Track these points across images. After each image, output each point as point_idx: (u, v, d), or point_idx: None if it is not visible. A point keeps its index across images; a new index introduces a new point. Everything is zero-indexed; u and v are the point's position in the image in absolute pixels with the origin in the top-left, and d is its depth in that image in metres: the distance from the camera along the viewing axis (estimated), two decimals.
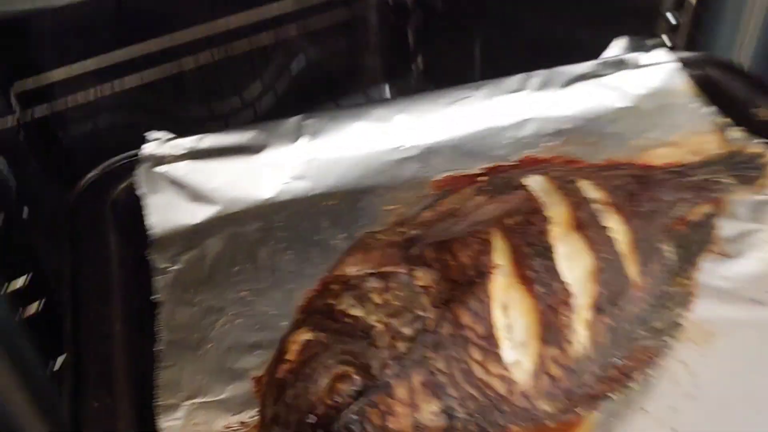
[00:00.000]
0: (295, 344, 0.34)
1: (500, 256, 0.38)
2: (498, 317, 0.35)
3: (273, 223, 0.48)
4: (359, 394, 0.32)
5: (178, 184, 0.49)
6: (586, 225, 0.40)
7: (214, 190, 0.49)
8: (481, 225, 0.39)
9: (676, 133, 0.54)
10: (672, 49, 0.60)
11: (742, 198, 0.48)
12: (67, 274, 0.42)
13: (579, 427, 0.35)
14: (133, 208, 0.47)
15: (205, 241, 0.47)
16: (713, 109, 0.56)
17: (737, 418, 0.36)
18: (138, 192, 0.48)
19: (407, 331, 0.34)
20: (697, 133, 0.54)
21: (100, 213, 0.47)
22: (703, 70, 0.59)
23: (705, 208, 0.48)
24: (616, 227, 0.41)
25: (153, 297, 0.43)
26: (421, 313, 0.34)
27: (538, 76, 0.57)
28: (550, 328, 0.35)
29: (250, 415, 0.37)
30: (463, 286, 0.36)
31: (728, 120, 0.54)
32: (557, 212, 0.41)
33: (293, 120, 0.52)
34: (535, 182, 0.44)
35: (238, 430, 0.36)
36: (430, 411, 0.33)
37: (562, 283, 0.37)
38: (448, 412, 0.33)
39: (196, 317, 0.42)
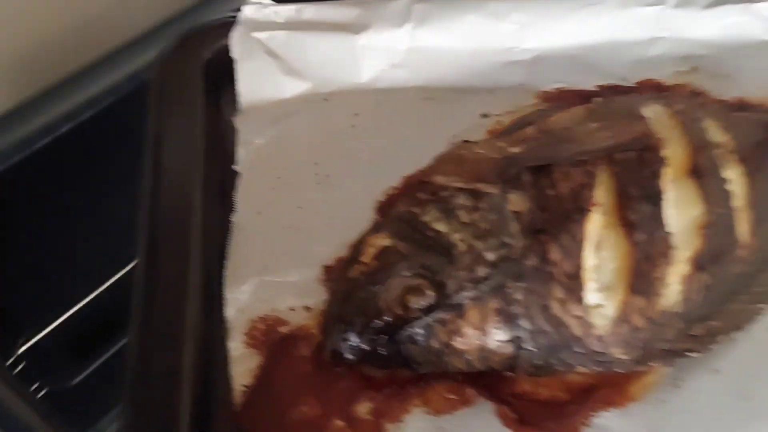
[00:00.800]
0: (373, 248, 0.33)
1: (604, 193, 0.35)
2: (588, 256, 0.33)
3: (363, 110, 0.46)
4: (430, 309, 0.32)
5: (272, 54, 0.47)
6: (703, 172, 0.36)
7: (308, 66, 0.47)
8: (588, 155, 0.36)
9: None
10: None
11: None
12: (151, 132, 0.41)
13: (647, 376, 0.34)
14: (225, 71, 0.46)
15: (292, 118, 0.45)
16: None
17: None
18: (232, 55, 0.46)
19: (490, 256, 0.32)
20: None
21: (192, 71, 0.45)
22: None
23: None
24: (736, 179, 0.38)
25: (234, 166, 0.42)
26: (508, 240, 0.33)
27: None
28: (643, 277, 0.33)
29: (315, 302, 0.37)
30: (558, 218, 0.33)
31: None
32: (675, 153, 0.37)
33: (402, 2, 0.48)
34: (656, 114, 0.40)
35: (301, 314, 0.36)
36: (498, 338, 0.32)
37: (665, 232, 0.34)
38: (516, 342, 0.32)
39: (275, 195, 0.42)
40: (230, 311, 0.37)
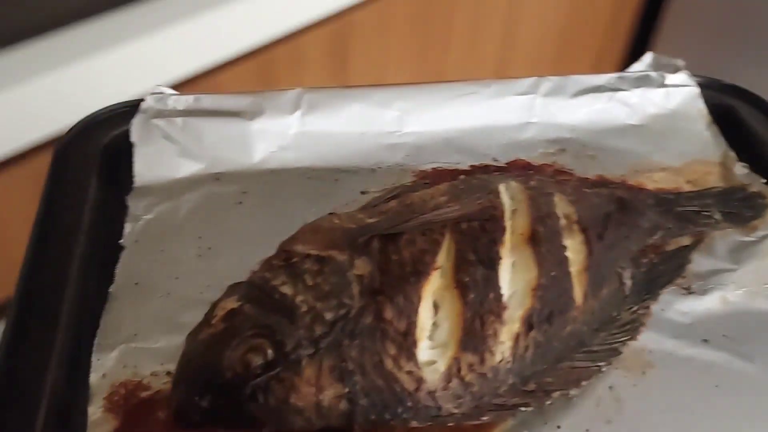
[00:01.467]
0: (222, 310, 0.35)
1: (444, 258, 0.38)
2: (425, 315, 0.35)
3: (251, 188, 0.49)
4: (269, 367, 0.33)
5: (169, 138, 0.50)
6: (542, 240, 0.40)
7: (202, 149, 0.50)
8: (436, 225, 0.39)
9: (679, 159, 0.53)
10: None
11: (726, 236, 0.46)
12: (40, 209, 0.44)
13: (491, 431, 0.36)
14: (121, 156, 0.49)
15: (183, 196, 0.48)
16: (724, 141, 0.54)
17: None
18: (132, 139, 0.49)
19: (329, 315, 0.34)
20: (701, 162, 0.53)
21: (88, 156, 0.48)
22: (725, 100, 0.57)
23: (684, 241, 0.46)
24: (575, 247, 0.41)
25: (120, 241, 0.45)
26: (347, 300, 0.35)
27: (551, 81, 0.55)
28: (474, 335, 0.35)
29: None
30: (396, 280, 0.36)
31: (736, 155, 0.52)
32: (517, 223, 0.40)
33: (293, 92, 0.53)
34: (510, 189, 0.44)
35: (163, 379, 0.38)
36: (333, 394, 0.33)
37: (498, 294, 0.36)
38: (350, 398, 0.33)
39: (155, 266, 0.44)
40: (94, 376, 0.38)
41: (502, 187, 0.43)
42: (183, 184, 0.49)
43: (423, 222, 0.39)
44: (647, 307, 0.42)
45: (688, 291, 0.43)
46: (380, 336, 0.34)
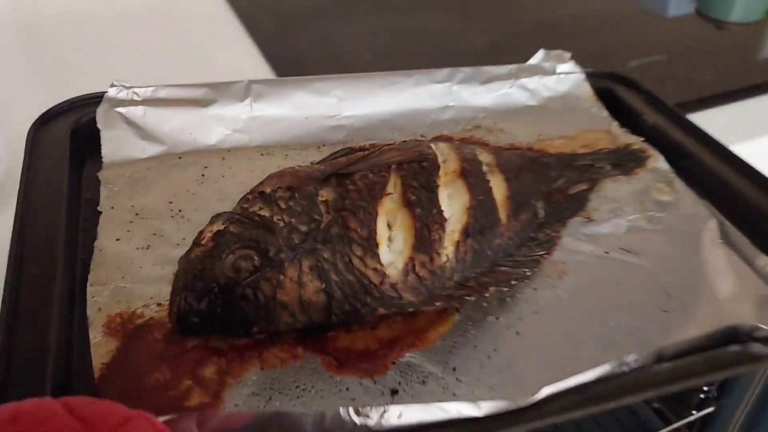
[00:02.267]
0: (210, 232, 0.41)
1: (392, 188, 0.45)
2: (381, 229, 0.43)
3: (210, 164, 0.55)
4: (256, 270, 0.39)
5: (133, 124, 0.56)
6: (470, 174, 0.48)
7: (164, 133, 0.56)
8: (382, 166, 0.47)
9: (573, 129, 0.63)
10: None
11: (616, 180, 0.57)
12: (24, 180, 0.48)
13: (441, 325, 0.43)
14: (91, 138, 0.54)
15: (150, 170, 0.54)
16: (608, 113, 0.65)
17: (571, 328, 0.43)
18: (98, 125, 0.55)
19: (303, 228, 0.41)
20: (592, 132, 0.63)
21: (62, 137, 0.53)
22: (606, 83, 0.68)
23: (583, 186, 0.56)
24: (497, 183, 0.49)
25: (98, 207, 0.50)
26: (317, 216, 0.42)
27: (464, 72, 0.65)
28: (423, 241, 0.43)
29: (166, 299, 0.43)
30: (357, 201, 0.43)
31: (618, 123, 0.64)
32: (449, 166, 0.49)
33: (242, 83, 0.60)
34: (438, 147, 0.52)
35: (154, 309, 0.43)
36: (313, 289, 0.40)
37: (439, 209, 0.44)
38: (328, 292, 0.40)
39: (132, 226, 0.49)
40: (91, 310, 0.42)
41: (432, 145, 0.52)
42: (148, 162, 0.55)
43: (371, 164, 0.47)
44: (558, 231, 0.51)
45: (589, 220, 0.52)
46: (347, 241, 0.41)
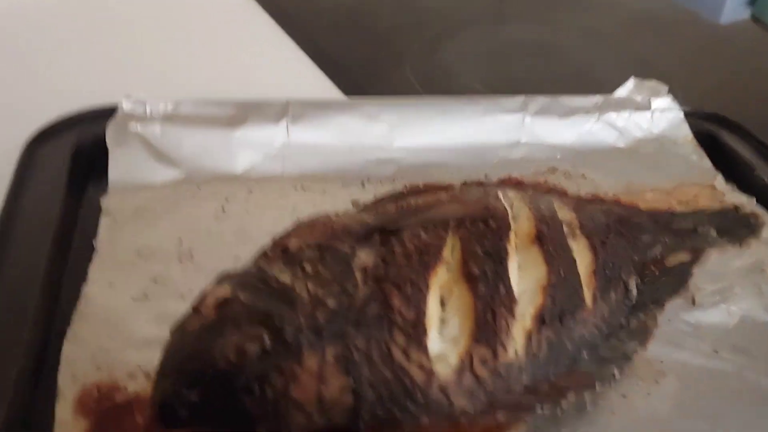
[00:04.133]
0: (213, 299, 0.32)
1: (449, 253, 0.36)
2: (432, 309, 0.33)
3: (233, 197, 0.47)
4: (266, 356, 0.30)
5: (146, 144, 0.48)
6: (548, 240, 0.38)
7: (182, 157, 0.48)
8: (439, 222, 0.37)
9: (669, 181, 0.53)
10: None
11: (723, 252, 0.46)
12: (6, 205, 0.41)
13: None
14: (97, 156, 0.46)
15: (160, 202, 0.45)
16: (710, 164, 0.54)
17: None
18: (107, 143, 0.47)
19: (331, 303, 0.32)
20: (691, 185, 0.53)
21: (58, 154, 0.45)
22: (709, 126, 0.58)
23: (683, 257, 0.45)
24: (580, 250, 0.39)
25: (94, 241, 0.42)
26: (350, 288, 0.32)
27: (539, 101, 0.55)
28: (486, 328, 0.33)
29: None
30: (403, 269, 0.34)
31: (722, 177, 0.53)
32: (521, 226, 0.39)
33: (278, 102, 0.51)
34: (509, 196, 0.42)
35: (141, 381, 0.34)
36: (338, 387, 0.30)
37: (508, 287, 0.34)
38: (356, 391, 0.30)
39: (131, 269, 0.41)
40: (62, 377, 0.34)
41: (500, 193, 0.42)
42: (161, 189, 0.46)
43: (425, 219, 0.37)
44: (654, 317, 0.40)
45: (693, 303, 0.42)
46: (387, 325, 0.31)
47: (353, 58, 0.68)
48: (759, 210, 0.49)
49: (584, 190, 0.51)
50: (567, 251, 0.38)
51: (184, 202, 0.46)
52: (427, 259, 0.34)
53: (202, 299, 0.33)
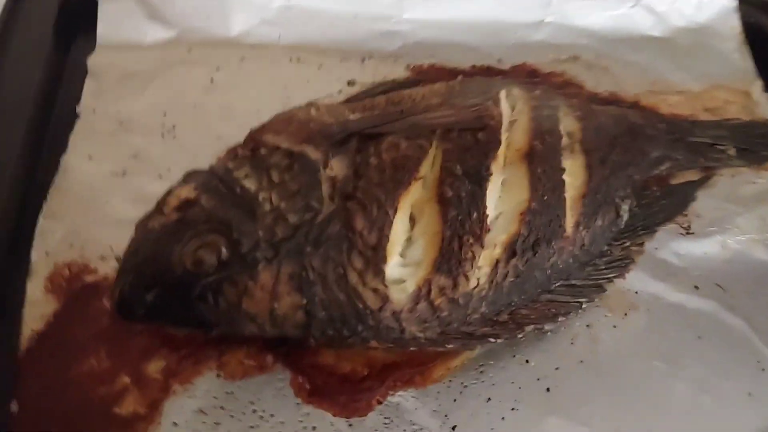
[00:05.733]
0: (176, 199, 0.32)
1: (428, 168, 0.34)
2: (399, 229, 0.32)
3: (225, 65, 0.44)
4: (222, 267, 0.30)
5: None
6: (540, 159, 0.36)
7: (175, 15, 0.45)
8: (425, 129, 0.35)
9: (700, 81, 0.48)
10: None
11: (736, 173, 0.43)
12: None
13: (452, 359, 0.33)
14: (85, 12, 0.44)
15: (148, 66, 0.43)
16: (754, 66, 0.49)
17: (619, 400, 0.33)
18: None
19: (293, 218, 0.31)
20: (724, 89, 0.48)
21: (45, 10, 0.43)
22: (764, 19, 0.51)
23: (692, 175, 0.42)
24: (574, 170, 0.37)
25: (77, 108, 0.40)
26: (314, 203, 0.31)
27: None
28: (450, 258, 0.32)
29: None
30: (373, 187, 0.32)
31: (764, 84, 0.48)
32: (515, 137, 0.36)
33: None
34: (512, 97, 0.39)
35: (112, 263, 0.35)
36: (290, 304, 0.30)
37: (482, 214, 0.33)
38: (308, 310, 0.30)
39: (112, 140, 0.40)
40: (36, 253, 0.35)
41: (502, 94, 0.39)
42: (150, 51, 0.44)
43: (411, 124, 0.35)
44: (641, 244, 0.38)
45: (687, 231, 0.40)
46: (347, 247, 0.31)
47: None
48: None
49: (604, 86, 0.47)
50: (557, 172, 0.36)
51: (174, 68, 0.44)
52: (400, 175, 0.33)
53: (165, 197, 0.32)
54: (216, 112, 0.42)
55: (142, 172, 0.39)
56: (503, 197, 0.35)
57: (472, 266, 0.32)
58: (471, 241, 0.32)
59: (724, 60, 0.49)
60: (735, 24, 0.50)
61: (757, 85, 0.48)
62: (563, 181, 0.36)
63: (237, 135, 0.37)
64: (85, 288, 0.34)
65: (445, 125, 0.35)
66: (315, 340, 0.31)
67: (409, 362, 0.33)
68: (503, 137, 0.36)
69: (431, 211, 0.33)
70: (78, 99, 0.41)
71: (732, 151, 0.43)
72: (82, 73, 0.42)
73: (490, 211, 0.33)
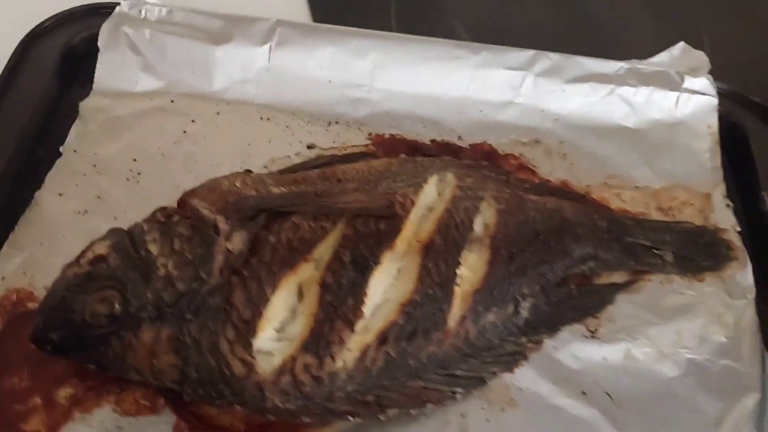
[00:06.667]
0: (92, 253, 0.36)
1: (325, 250, 0.37)
2: (280, 304, 0.35)
3: (200, 117, 0.48)
4: (112, 321, 0.34)
5: (136, 50, 0.50)
6: (435, 253, 0.38)
7: (165, 67, 0.50)
8: (335, 211, 0.38)
9: (662, 179, 0.48)
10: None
11: (668, 281, 0.43)
12: None
13: (325, 427, 0.36)
14: (86, 57, 0.49)
15: (133, 113, 0.48)
16: (720, 168, 0.48)
17: None
18: (99, 44, 0.49)
19: (180, 286, 0.35)
20: (685, 189, 0.48)
21: (50, 52, 0.49)
22: (740, 114, 0.50)
23: (618, 276, 0.43)
24: (476, 264, 0.39)
25: (61, 148, 0.46)
26: (203, 275, 0.35)
27: (551, 59, 0.50)
28: (319, 338, 0.35)
29: None
30: (261, 265, 0.35)
31: (726, 190, 0.47)
32: (423, 227, 0.39)
33: (267, 22, 0.50)
34: (442, 183, 0.41)
35: None
36: (167, 363, 0.34)
37: (359, 302, 0.35)
38: (182, 371, 0.34)
39: (82, 181, 0.45)
40: None
41: (433, 179, 0.41)
42: (137, 99, 0.49)
43: (321, 206, 0.38)
44: (540, 342, 0.40)
45: (593, 335, 0.40)
46: (223, 318, 0.34)
47: None
48: (738, 242, 0.44)
49: (558, 173, 0.48)
50: (452, 266, 0.38)
51: (153, 117, 0.48)
52: (291, 256, 0.36)
53: (86, 249, 0.37)
54: (181, 162, 0.46)
55: (101, 212, 0.44)
56: (395, 285, 0.37)
57: (339, 349, 0.35)
58: (341, 326, 0.35)
59: (692, 158, 0.49)
60: (712, 122, 0.49)
61: (720, 188, 0.47)
62: (455, 276, 0.38)
63: (194, 185, 0.41)
64: (24, 313, 0.40)
65: (354, 211, 0.38)
66: (188, 396, 0.35)
67: (286, 423, 0.36)
68: (412, 225, 0.38)
69: (314, 293, 0.36)
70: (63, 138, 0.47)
71: (669, 257, 0.43)
72: (76, 115, 0.48)
73: (379, 297, 0.36)
